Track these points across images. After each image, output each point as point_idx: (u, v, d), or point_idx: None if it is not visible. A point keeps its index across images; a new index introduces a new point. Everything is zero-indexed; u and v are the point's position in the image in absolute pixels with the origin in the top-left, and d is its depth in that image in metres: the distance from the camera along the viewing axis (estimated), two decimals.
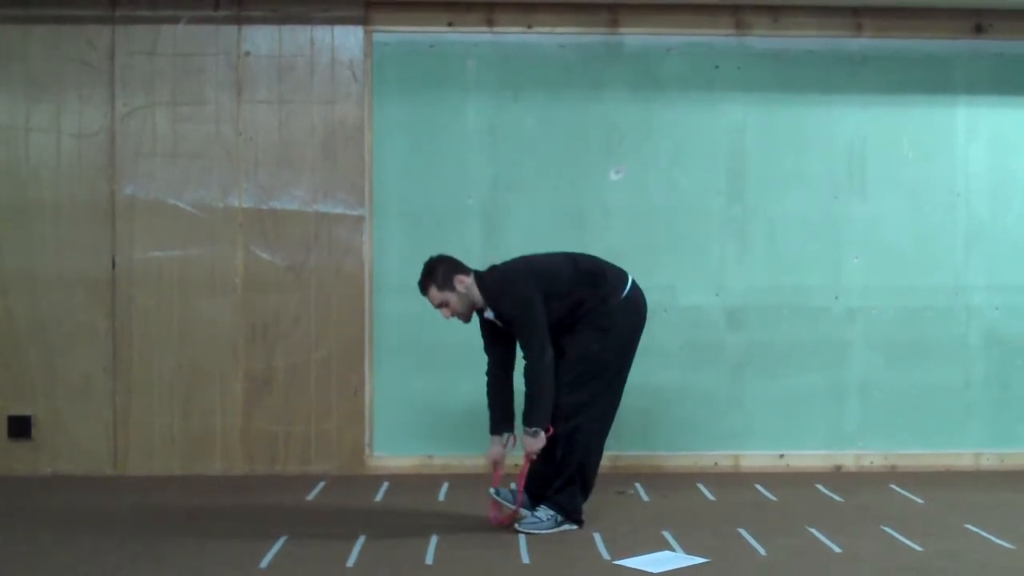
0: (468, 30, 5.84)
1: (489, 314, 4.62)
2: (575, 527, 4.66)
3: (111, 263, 5.73)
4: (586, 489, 4.69)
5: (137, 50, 5.71)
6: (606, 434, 4.71)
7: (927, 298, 5.99)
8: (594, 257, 4.79)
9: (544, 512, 4.63)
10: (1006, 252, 6.02)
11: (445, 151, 5.87)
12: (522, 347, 4.55)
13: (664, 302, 5.90)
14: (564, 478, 4.61)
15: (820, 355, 5.95)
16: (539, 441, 4.48)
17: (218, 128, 5.75)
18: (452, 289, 4.55)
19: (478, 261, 5.77)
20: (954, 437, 6.00)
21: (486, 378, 4.75)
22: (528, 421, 4.49)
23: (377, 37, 5.83)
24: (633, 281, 4.72)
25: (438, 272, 4.58)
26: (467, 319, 4.65)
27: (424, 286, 4.61)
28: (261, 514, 4.99)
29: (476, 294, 4.57)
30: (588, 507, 5.12)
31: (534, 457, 4.52)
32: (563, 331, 4.59)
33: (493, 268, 4.71)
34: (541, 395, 4.45)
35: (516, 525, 4.64)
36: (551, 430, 4.50)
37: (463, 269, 4.61)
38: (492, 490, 4.66)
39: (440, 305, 4.59)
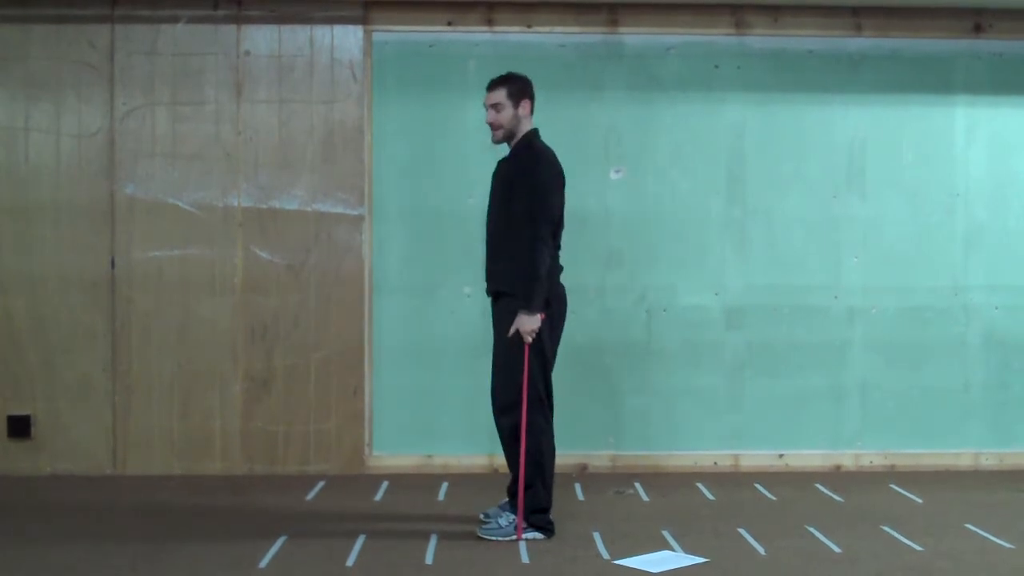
0: (468, 29, 5.84)
1: (502, 157, 4.74)
2: (540, 536, 4.56)
3: (111, 263, 5.73)
4: (548, 488, 4.58)
5: (137, 50, 5.71)
6: (550, 427, 4.62)
7: (927, 298, 6.00)
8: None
9: (506, 519, 4.60)
10: (1005, 252, 6.02)
11: (445, 151, 5.87)
12: (527, 225, 4.49)
13: (664, 302, 5.91)
14: (525, 481, 4.53)
15: (820, 355, 5.96)
16: (535, 320, 4.47)
17: (218, 128, 5.75)
18: (515, 105, 4.66)
19: (478, 261, 5.79)
20: (954, 437, 6.00)
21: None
22: (527, 306, 4.47)
23: (377, 37, 5.83)
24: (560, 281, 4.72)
25: (517, 83, 4.70)
26: (500, 139, 4.73)
27: (497, 83, 4.72)
28: (260, 514, 4.99)
29: (521, 129, 4.68)
30: (588, 507, 5.14)
31: (529, 340, 4.47)
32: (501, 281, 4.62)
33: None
34: (542, 279, 4.46)
35: (477, 531, 4.62)
36: (544, 316, 4.50)
37: (533, 105, 4.72)
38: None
39: (494, 105, 4.68)
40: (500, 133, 4.72)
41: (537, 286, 4.46)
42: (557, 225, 4.65)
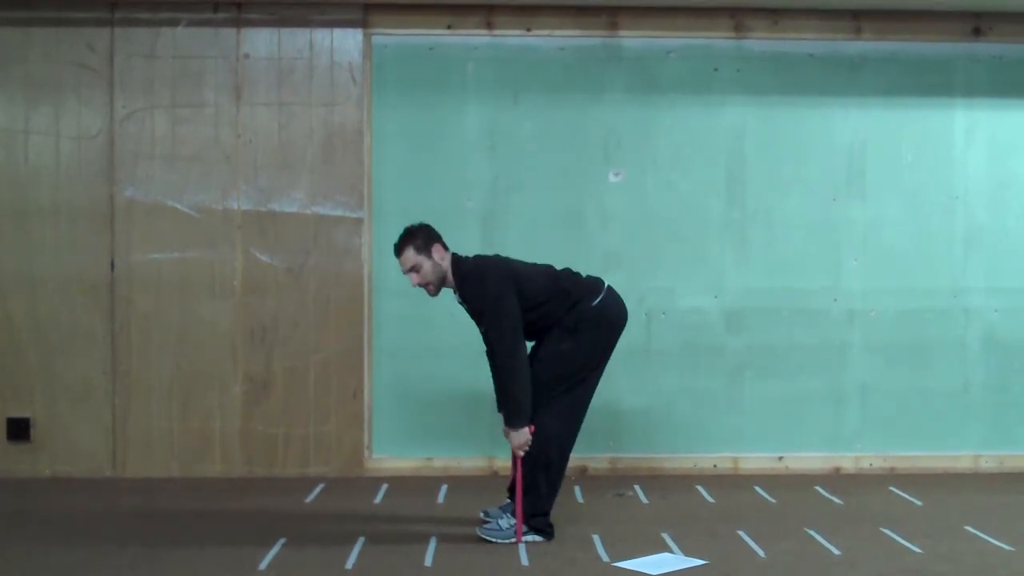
0: (467, 33, 5.84)
1: (456, 297, 4.63)
2: (539, 538, 4.56)
3: (110, 265, 5.73)
4: (551, 493, 4.59)
5: (136, 52, 5.72)
6: (571, 439, 4.62)
7: (926, 300, 6.00)
8: (574, 272, 4.72)
9: (507, 520, 4.59)
10: (1005, 254, 6.02)
11: (444, 153, 5.87)
12: (492, 345, 4.52)
13: (663, 304, 5.91)
14: (525, 483, 4.54)
15: (819, 357, 5.96)
16: (522, 435, 4.45)
17: (217, 131, 5.76)
18: (428, 256, 4.53)
19: None
20: (953, 439, 6.00)
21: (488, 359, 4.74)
22: (509, 423, 4.47)
23: (376, 40, 5.83)
24: (608, 290, 4.63)
25: (419, 236, 4.55)
26: (435, 291, 4.61)
27: (401, 247, 4.56)
28: (260, 516, 4.99)
29: (448, 270, 4.56)
30: (587, 509, 5.14)
31: (521, 453, 4.48)
32: (533, 338, 4.61)
33: (476, 256, 4.69)
34: (518, 397, 4.42)
35: (477, 530, 4.62)
36: (533, 428, 4.47)
37: (443, 242, 4.60)
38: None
39: (411, 269, 4.54)
40: (432, 287, 4.58)
41: (515, 405, 4.43)
42: (550, 294, 4.55)
